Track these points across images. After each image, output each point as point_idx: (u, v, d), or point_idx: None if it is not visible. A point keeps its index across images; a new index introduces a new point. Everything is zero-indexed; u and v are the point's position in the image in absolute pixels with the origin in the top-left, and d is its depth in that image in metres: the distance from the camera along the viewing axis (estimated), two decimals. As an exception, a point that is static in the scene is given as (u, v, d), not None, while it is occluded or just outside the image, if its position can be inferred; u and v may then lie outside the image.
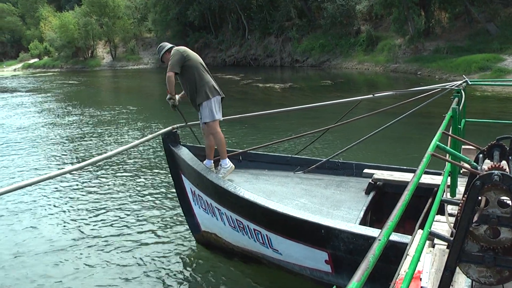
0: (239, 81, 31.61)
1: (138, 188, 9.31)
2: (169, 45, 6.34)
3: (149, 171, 10.53)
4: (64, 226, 7.66)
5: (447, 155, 3.59)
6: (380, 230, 1.91)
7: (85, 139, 14.67)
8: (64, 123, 17.94)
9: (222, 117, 6.22)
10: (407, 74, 29.56)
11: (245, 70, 39.46)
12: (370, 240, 4.27)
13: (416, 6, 31.96)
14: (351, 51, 38.46)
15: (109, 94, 31.15)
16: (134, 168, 10.85)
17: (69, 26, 60.07)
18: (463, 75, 7.30)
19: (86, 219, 7.85)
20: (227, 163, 6.21)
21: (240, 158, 6.76)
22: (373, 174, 5.89)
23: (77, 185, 9.69)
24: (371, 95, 6.92)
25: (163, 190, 9.10)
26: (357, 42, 38.51)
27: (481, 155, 3.64)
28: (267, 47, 46.64)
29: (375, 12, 37.21)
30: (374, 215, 5.70)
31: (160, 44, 6.45)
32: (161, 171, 10.31)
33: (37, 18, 72.71)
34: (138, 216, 7.83)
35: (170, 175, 7.08)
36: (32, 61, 68.77)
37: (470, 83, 6.32)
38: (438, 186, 4.53)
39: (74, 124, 17.51)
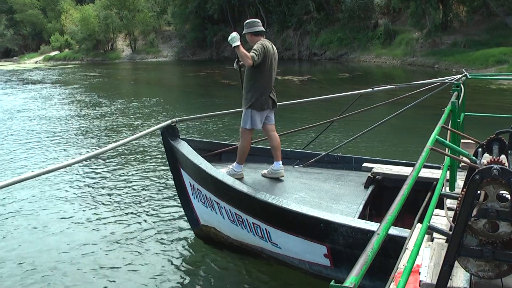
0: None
1: (137, 183, 9.26)
2: (258, 28, 5.87)
3: (148, 165, 10.47)
4: (59, 220, 7.61)
5: (446, 149, 3.60)
6: (379, 224, 1.92)
7: (102, 130, 14.86)
8: (84, 115, 18.16)
9: None
10: (424, 68, 29.63)
11: (263, 63, 39.66)
12: (369, 234, 4.25)
13: (433, 0, 32.07)
14: (369, 44, 38.58)
15: (130, 86, 31.24)
16: (132, 162, 10.79)
17: (90, 19, 60.74)
18: (463, 69, 7.32)
19: (82, 213, 7.82)
20: (239, 169, 6.06)
21: None
22: (372, 168, 5.86)
23: (73, 179, 9.62)
24: (371, 89, 6.95)
25: (162, 184, 9.05)
26: (375, 35, 38.63)
27: (480, 149, 3.64)
28: (286, 40, 46.82)
29: (393, 6, 37.32)
30: (373, 209, 5.69)
31: (254, 20, 5.96)
32: (160, 165, 10.24)
33: (58, 11, 73.20)
34: (136, 210, 7.78)
35: (169, 169, 7.04)
36: (53, 53, 69.44)
37: (469, 77, 6.31)
38: (437, 180, 4.40)
39: (94, 116, 17.66)
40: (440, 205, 3.93)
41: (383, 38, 37.32)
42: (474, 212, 2.60)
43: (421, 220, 2.93)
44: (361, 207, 5.20)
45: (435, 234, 3.66)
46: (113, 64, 55.92)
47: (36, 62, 65.80)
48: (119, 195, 8.61)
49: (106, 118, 17.06)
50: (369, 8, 39.47)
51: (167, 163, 6.88)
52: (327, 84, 26.72)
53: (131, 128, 14.87)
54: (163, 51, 59.72)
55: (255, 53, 5.60)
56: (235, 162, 6.10)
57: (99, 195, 8.66)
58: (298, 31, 45.70)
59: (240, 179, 5.99)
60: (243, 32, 5.92)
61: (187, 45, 56.99)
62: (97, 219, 7.56)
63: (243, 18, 50.07)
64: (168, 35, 62.04)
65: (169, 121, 6.34)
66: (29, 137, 14.09)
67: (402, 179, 4.26)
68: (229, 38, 5.68)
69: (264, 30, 5.96)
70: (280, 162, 6.05)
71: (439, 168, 5.52)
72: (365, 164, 6.18)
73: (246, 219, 5.46)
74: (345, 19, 40.43)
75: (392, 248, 3.51)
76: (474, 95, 18.35)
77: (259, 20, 6.01)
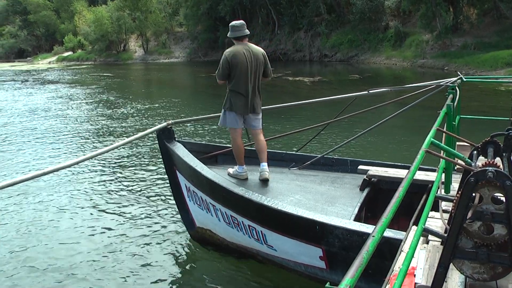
0: (268, 74, 32.06)
1: (132, 185, 9.22)
2: (238, 34, 5.89)
3: (144, 167, 10.45)
4: (53, 222, 7.58)
5: (442, 151, 3.61)
6: (374, 226, 1.92)
7: (112, 130, 15.02)
8: (97, 115, 18.40)
9: None
10: (434, 70, 29.60)
11: (274, 64, 39.42)
12: (364, 236, 4.24)
13: (444, 2, 32.05)
14: (379, 46, 38.63)
15: (142, 87, 31.53)
16: (128, 164, 10.76)
17: (103, 21, 61.16)
18: (458, 72, 7.20)
19: (77, 215, 7.80)
20: (241, 170, 6.09)
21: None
22: (368, 170, 5.86)
23: (69, 181, 9.57)
24: (366, 92, 6.91)
25: (157, 186, 9.02)
26: (385, 37, 38.65)
27: (475, 152, 3.64)
28: (297, 42, 46.96)
29: (403, 8, 37.42)
30: (369, 211, 5.67)
31: (236, 25, 5.93)
32: (156, 167, 10.19)
33: (71, 12, 73.73)
34: (132, 213, 7.75)
35: (164, 171, 7.01)
36: (66, 54, 69.79)
37: (465, 79, 6.34)
38: (432, 182, 4.51)
39: (107, 116, 17.93)
40: (435, 207, 3.92)
41: (394, 40, 37.33)
42: (469, 215, 2.64)
43: (416, 223, 2.93)
44: (357, 209, 5.20)
45: (430, 237, 3.67)
46: (125, 64, 56.14)
47: (49, 63, 66.16)
48: (114, 197, 8.58)
49: (118, 119, 17.26)
50: (380, 10, 39.51)
51: (163, 165, 6.87)
52: (337, 85, 26.88)
53: (142, 129, 14.81)
54: (175, 52, 59.99)
55: (217, 72, 5.86)
56: (237, 165, 6.14)
57: (93, 197, 8.63)
58: (309, 32, 45.81)
59: (245, 180, 6.03)
60: (229, 34, 5.99)
61: (199, 46, 57.16)
62: (91, 221, 7.55)
63: (254, 20, 50.50)
64: (180, 36, 62.32)
65: (164, 123, 6.31)
66: (40, 136, 14.36)
67: (397, 181, 4.41)
68: None
69: (244, 34, 5.91)
70: (265, 164, 6.02)
71: (434, 170, 5.54)
72: (360, 167, 6.15)
73: (242, 222, 5.45)
74: (356, 21, 40.52)
75: (387, 250, 3.51)
76: (483, 97, 18.42)
77: (241, 24, 5.97)
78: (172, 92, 27.36)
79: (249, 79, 5.80)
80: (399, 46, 36.54)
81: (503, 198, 2.60)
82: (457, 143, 5.69)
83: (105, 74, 40.86)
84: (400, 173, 5.67)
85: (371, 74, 30.97)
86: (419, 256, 3.42)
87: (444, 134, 4.43)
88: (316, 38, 45.26)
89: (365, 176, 5.80)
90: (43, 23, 79.53)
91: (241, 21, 6.06)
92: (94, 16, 62.74)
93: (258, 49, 5.95)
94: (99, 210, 7.99)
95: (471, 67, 26.79)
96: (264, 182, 6.01)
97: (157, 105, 20.35)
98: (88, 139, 13.98)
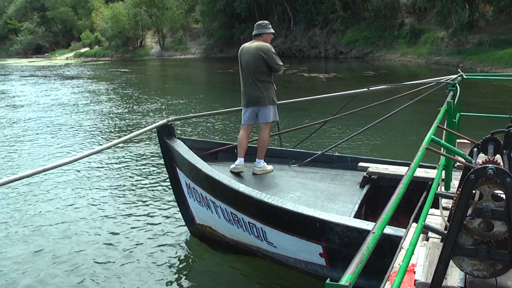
0: (285, 71, 32.19)
1: (132, 182, 9.22)
2: (256, 30, 6.30)
3: (144, 164, 10.44)
4: (53, 219, 7.55)
5: (442, 149, 3.61)
6: (374, 223, 1.91)
7: (124, 126, 15.13)
8: (114, 111, 18.48)
9: None
10: (449, 67, 29.24)
11: (290, 61, 39.74)
12: (364, 233, 4.25)
13: (459, -1, 32.22)
14: (394, 43, 38.60)
15: (161, 82, 31.87)
16: (128, 161, 10.76)
17: (120, 17, 61.66)
18: (459, 69, 7.21)
19: (77, 211, 7.79)
20: (238, 162, 6.21)
21: (235, 151, 6.56)
22: (368, 167, 5.85)
23: (67, 179, 9.53)
24: (366, 89, 6.93)
25: (157, 183, 9.00)
26: (400, 34, 38.61)
27: (475, 149, 3.62)
28: (312, 38, 46.96)
29: (419, 5, 37.34)
30: (369, 208, 5.69)
31: (256, 25, 6.36)
32: (156, 164, 10.20)
33: (88, 9, 74.32)
34: (132, 210, 7.73)
35: (164, 168, 7.02)
36: (83, 50, 70.27)
37: (465, 77, 6.34)
38: (432, 179, 4.48)
39: (123, 111, 18.10)
40: (435, 204, 3.91)
41: (409, 37, 37.33)
42: (469, 212, 2.62)
43: (416, 220, 2.94)
44: (357, 206, 5.20)
45: (430, 234, 3.65)
46: (142, 60, 56.36)
47: (67, 58, 66.62)
48: (113, 194, 8.58)
49: (136, 113, 17.51)
50: (395, 7, 39.43)
51: (163, 162, 6.87)
52: (352, 81, 26.89)
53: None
54: (191, 48, 60.18)
55: None
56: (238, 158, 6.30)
57: (93, 194, 8.62)
58: (325, 29, 45.83)
59: (239, 173, 6.18)
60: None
61: (215, 42, 57.32)
62: (89, 217, 7.55)
63: (270, 16, 50.58)
64: (196, 32, 62.57)
65: (165, 120, 6.29)
66: (62, 130, 14.66)
67: (397, 178, 4.40)
68: None
69: (255, 33, 6.27)
70: (260, 160, 6.23)
71: (434, 167, 5.51)
72: (360, 164, 6.15)
73: (242, 218, 5.45)
74: (371, 18, 40.47)
75: (387, 247, 3.52)
76: (500, 94, 18.48)
77: (256, 24, 6.37)
78: (189, 87, 27.55)
79: (242, 72, 6.22)
80: (414, 43, 36.53)
81: (503, 195, 2.60)
82: (457, 140, 5.67)
83: (122, 70, 41.15)
84: (400, 170, 5.68)
85: (386, 71, 30.99)
86: (419, 253, 3.39)
87: (444, 131, 4.41)
88: (332, 35, 45.31)
89: (365, 173, 5.81)
90: (61, 20, 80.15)
91: (259, 22, 6.39)
92: (111, 12, 63.22)
93: (257, 45, 6.17)
94: (97, 206, 8.01)
95: (486, 64, 26.78)
96: (270, 178, 6.17)
97: (176, 101, 20.52)
98: (104, 132, 14.26)
